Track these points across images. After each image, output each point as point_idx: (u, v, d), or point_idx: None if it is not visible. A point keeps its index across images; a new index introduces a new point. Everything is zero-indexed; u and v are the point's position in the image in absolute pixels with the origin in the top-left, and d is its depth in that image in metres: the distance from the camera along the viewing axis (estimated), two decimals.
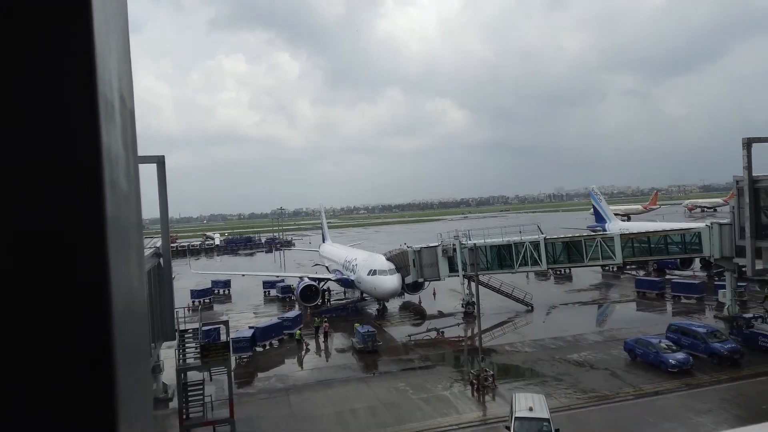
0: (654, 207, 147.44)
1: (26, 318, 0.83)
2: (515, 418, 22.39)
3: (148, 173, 25.98)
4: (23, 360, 0.82)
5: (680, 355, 31.57)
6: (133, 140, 1.13)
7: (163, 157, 26.05)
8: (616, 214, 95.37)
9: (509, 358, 36.16)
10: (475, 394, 29.68)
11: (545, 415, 22.46)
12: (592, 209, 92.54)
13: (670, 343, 33.13)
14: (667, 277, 59.94)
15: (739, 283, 43.72)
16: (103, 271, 0.87)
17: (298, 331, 43.36)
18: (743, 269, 40.29)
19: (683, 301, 49.90)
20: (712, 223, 42.47)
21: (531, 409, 22.55)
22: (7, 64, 0.83)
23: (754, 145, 36.64)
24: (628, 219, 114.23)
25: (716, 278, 55.51)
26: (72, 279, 0.86)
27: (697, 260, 60.44)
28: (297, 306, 53.87)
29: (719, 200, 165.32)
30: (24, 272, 0.84)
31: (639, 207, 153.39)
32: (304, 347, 41.83)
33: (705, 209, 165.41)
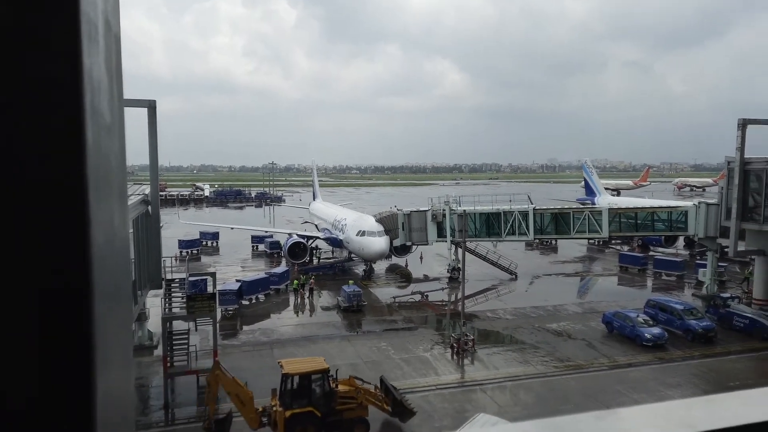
0: (644, 183, 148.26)
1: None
2: None
3: (138, 118, 25.52)
4: None
5: (656, 330, 32.33)
6: (117, 69, 1.04)
7: (154, 101, 25.55)
8: (606, 189, 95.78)
9: (490, 324, 36.87)
10: (455, 357, 30.33)
11: None
12: (583, 182, 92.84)
13: (647, 318, 33.87)
14: (651, 253, 60.83)
15: (719, 263, 44.51)
16: (81, 202, 0.82)
17: (296, 281, 44.45)
18: (725, 249, 40.97)
19: (664, 277, 50.79)
20: (699, 203, 42.87)
21: None
22: None
23: (750, 127, 36.69)
24: (618, 194, 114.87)
25: (698, 257, 56.40)
26: (47, 208, 0.81)
27: (681, 238, 61.28)
28: (284, 262, 54.15)
29: (709, 180, 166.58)
30: None
31: (630, 182, 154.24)
32: (300, 297, 43.08)
33: (694, 188, 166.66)
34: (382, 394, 22.63)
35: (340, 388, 22.08)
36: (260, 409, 21.37)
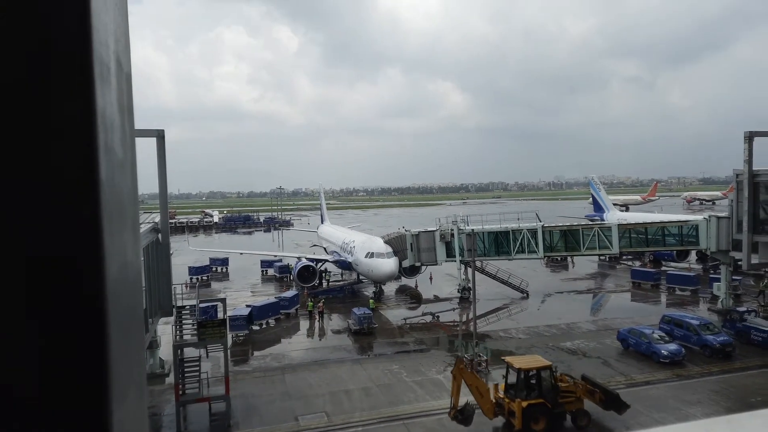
0: (653, 198, 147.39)
1: (14, 281, 0.81)
2: None
3: (147, 147, 25.85)
4: (12, 326, 0.80)
5: (672, 346, 31.80)
6: (129, 107, 1.09)
7: (162, 131, 25.86)
8: (614, 204, 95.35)
9: (503, 344, 36.43)
10: None
11: None
12: (591, 198, 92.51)
13: (663, 334, 33.35)
14: (663, 268, 60.18)
15: (734, 277, 43.91)
16: (96, 236, 0.85)
17: (311, 303, 45.34)
18: (739, 263, 40.43)
19: (678, 292, 50.14)
20: (710, 216, 42.49)
21: None
22: None
23: (756, 139, 36.54)
24: (627, 209, 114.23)
25: (711, 271, 55.68)
26: (64, 244, 0.83)
27: (694, 252, 60.63)
28: (294, 286, 54.09)
29: (718, 193, 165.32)
30: (12, 233, 0.81)
31: (638, 198, 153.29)
32: (315, 318, 43.82)
33: (704, 202, 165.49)
34: (592, 389, 24.49)
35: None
36: (494, 401, 23.75)
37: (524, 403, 22.88)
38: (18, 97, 0.81)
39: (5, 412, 0.80)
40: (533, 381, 23.74)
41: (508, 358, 25.49)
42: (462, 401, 23.43)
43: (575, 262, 67.11)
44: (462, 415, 23.04)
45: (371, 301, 46.84)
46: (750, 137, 36.39)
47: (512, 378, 24.20)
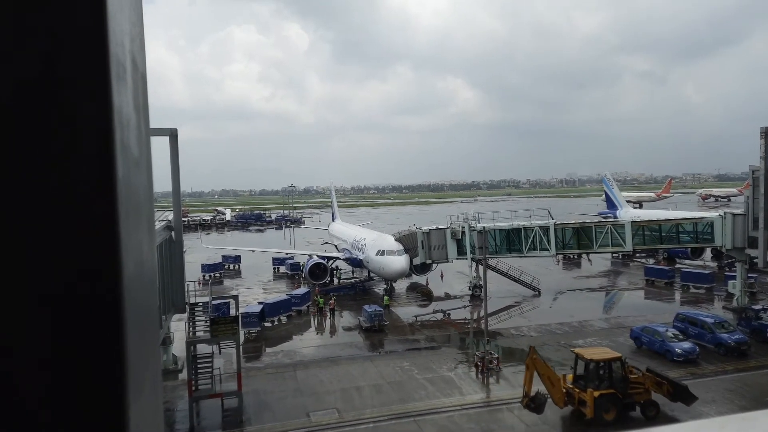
0: (667, 195, 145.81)
1: (30, 278, 0.81)
2: None
3: (160, 146, 26.06)
4: (30, 321, 0.81)
5: (686, 345, 31.48)
6: (144, 106, 1.10)
7: (175, 130, 26.05)
8: (628, 201, 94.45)
9: (514, 342, 36.31)
10: (480, 376, 29.89)
11: None
12: (604, 196, 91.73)
13: (677, 332, 33.02)
14: (677, 266, 59.52)
15: (749, 275, 43.37)
16: (113, 234, 0.86)
17: (321, 299, 45.29)
18: (754, 260, 39.93)
19: (692, 290, 49.55)
20: (725, 213, 41.97)
21: None
22: (16, 16, 0.80)
23: None
24: (640, 206, 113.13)
25: (727, 269, 55.00)
26: (81, 241, 0.84)
27: (708, 250, 59.93)
28: (305, 283, 54.29)
29: (734, 190, 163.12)
30: (31, 231, 0.82)
31: (652, 194, 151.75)
32: (326, 316, 43.90)
33: (719, 199, 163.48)
34: (660, 381, 24.98)
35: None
36: (564, 391, 24.34)
37: (596, 393, 23.42)
38: (36, 96, 0.82)
39: (23, 409, 0.80)
40: (602, 372, 24.13)
41: (577, 350, 26.01)
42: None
43: (591, 260, 66.63)
44: (534, 403, 23.66)
45: (386, 298, 46.89)
46: (766, 133, 35.88)
47: (580, 369, 24.73)
